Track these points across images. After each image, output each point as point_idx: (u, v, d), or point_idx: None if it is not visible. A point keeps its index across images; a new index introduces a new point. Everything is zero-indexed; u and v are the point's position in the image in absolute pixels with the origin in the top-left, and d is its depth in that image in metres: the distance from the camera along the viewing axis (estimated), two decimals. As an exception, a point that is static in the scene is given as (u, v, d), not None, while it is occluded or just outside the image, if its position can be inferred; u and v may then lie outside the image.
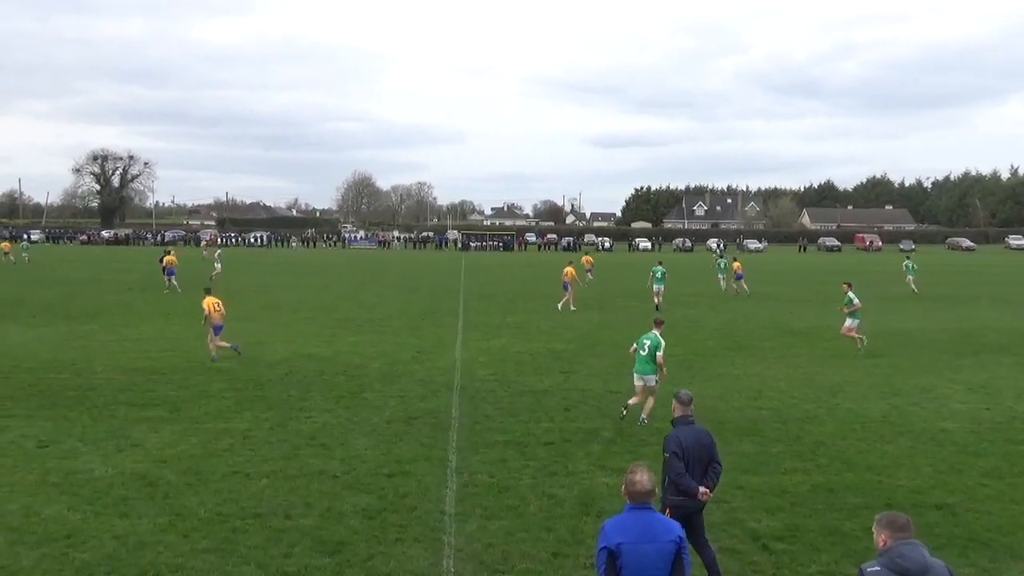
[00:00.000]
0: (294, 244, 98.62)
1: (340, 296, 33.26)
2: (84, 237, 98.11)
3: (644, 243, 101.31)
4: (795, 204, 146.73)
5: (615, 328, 24.05)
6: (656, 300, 30.08)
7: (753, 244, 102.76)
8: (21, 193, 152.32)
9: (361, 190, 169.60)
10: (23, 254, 52.69)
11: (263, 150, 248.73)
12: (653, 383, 12.47)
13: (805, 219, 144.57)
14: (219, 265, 45.37)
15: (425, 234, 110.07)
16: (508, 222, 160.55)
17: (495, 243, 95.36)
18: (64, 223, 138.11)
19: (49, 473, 9.93)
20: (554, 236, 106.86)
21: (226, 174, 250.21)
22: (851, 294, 19.82)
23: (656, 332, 12.65)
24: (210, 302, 18.55)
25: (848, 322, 19.76)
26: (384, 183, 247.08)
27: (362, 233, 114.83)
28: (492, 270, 54.00)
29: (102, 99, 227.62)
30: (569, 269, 31.21)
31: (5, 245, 54.93)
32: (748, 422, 12.93)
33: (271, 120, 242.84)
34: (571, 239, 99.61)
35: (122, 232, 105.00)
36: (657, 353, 12.31)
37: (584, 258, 40.31)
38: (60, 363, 17.05)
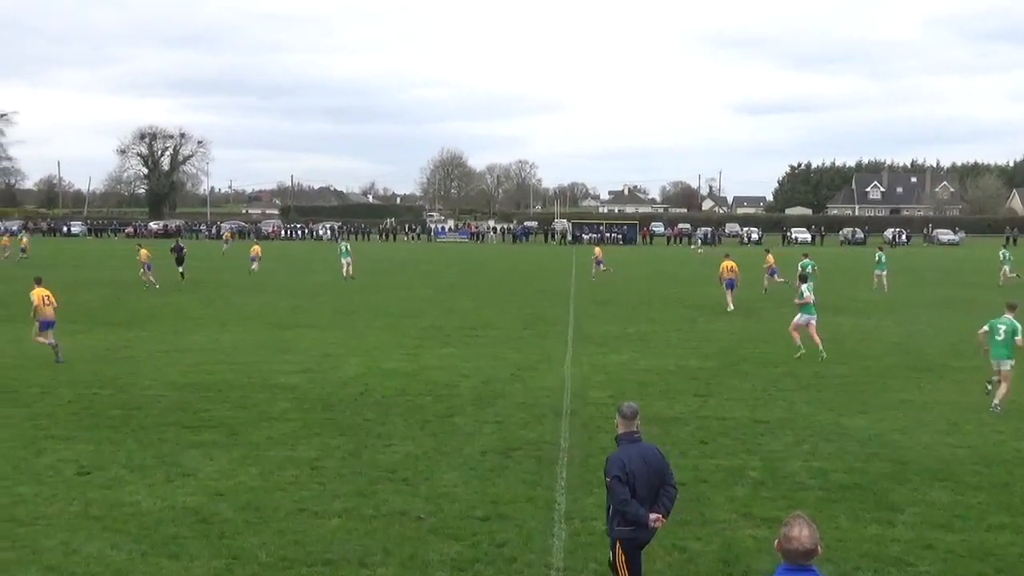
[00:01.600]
0: (373, 237, 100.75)
1: (425, 300, 33.84)
2: (130, 229, 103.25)
3: (802, 234, 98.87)
4: (1002, 183, 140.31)
5: (764, 340, 23.56)
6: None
7: (946, 235, 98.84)
8: (60, 179, 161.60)
9: (450, 171, 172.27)
10: (20, 252, 55.70)
11: (333, 123, 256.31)
12: (1008, 368, 15.18)
13: (1015, 203, 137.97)
14: (256, 264, 46.98)
15: (527, 224, 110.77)
16: (629, 209, 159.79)
17: (613, 235, 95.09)
18: (108, 213, 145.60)
19: (91, 505, 10.49)
20: (686, 226, 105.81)
21: (290, 153, 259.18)
22: None
23: (1010, 316, 15.36)
24: (39, 294, 19.33)
25: None
26: (477, 162, 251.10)
27: (451, 223, 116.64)
28: (610, 266, 53.80)
29: (148, 67, 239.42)
30: (728, 263, 31.27)
31: (5, 240, 58.45)
32: (939, 463, 12.43)
33: (342, 88, 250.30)
34: (708, 230, 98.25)
35: (172, 223, 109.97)
36: (1016, 337, 15.09)
37: (768, 257, 39.10)
38: (103, 377, 17.99)
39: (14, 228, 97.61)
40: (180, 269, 42.38)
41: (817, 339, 20.91)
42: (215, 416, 14.79)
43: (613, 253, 72.74)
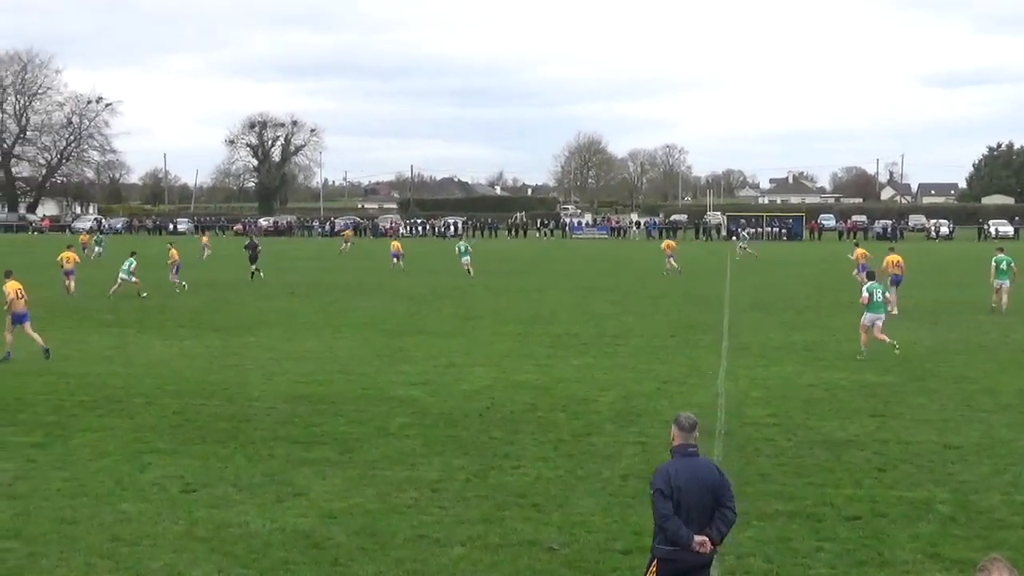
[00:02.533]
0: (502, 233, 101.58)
1: (559, 304, 33.94)
2: (239, 227, 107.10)
3: (1003, 226, 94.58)
4: None
5: (956, 352, 22.71)
6: (997, 300, 30.31)
7: None
8: (166, 172, 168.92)
9: (587, 158, 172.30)
10: (96, 248, 58.25)
11: (458, 107, 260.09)
12: None
13: None
14: (399, 260, 48.21)
15: (676, 218, 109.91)
16: (794, 199, 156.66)
17: (775, 228, 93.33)
18: (215, 209, 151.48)
19: (197, 524, 10.93)
20: (862, 218, 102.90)
21: (411, 141, 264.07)
22: None
23: None
24: (12, 287, 19.86)
25: None
26: (618, 148, 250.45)
27: (588, 217, 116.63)
28: (771, 268, 52.83)
29: (259, 49, 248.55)
30: (894, 257, 31.14)
31: (84, 238, 61.16)
32: None
33: (468, 67, 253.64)
34: (889, 222, 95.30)
35: (283, 219, 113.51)
36: None
37: (858, 251, 39.34)
38: (209, 386, 18.74)
39: (85, 226, 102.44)
40: (253, 268, 44.11)
41: (883, 337, 22.00)
42: (328, 431, 15.19)
43: (775, 250, 71.44)
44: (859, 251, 39.07)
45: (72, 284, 37.09)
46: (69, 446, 14.24)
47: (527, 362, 21.58)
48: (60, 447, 14.18)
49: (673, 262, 47.68)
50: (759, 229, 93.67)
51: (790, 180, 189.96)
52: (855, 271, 37.85)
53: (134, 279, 35.97)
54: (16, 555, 9.99)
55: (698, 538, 7.17)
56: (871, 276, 24.01)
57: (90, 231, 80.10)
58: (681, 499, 7.21)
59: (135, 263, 36.44)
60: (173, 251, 40.21)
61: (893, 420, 15.98)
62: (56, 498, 11.78)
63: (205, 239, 62.91)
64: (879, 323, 22.27)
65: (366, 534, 10.63)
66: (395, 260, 50.16)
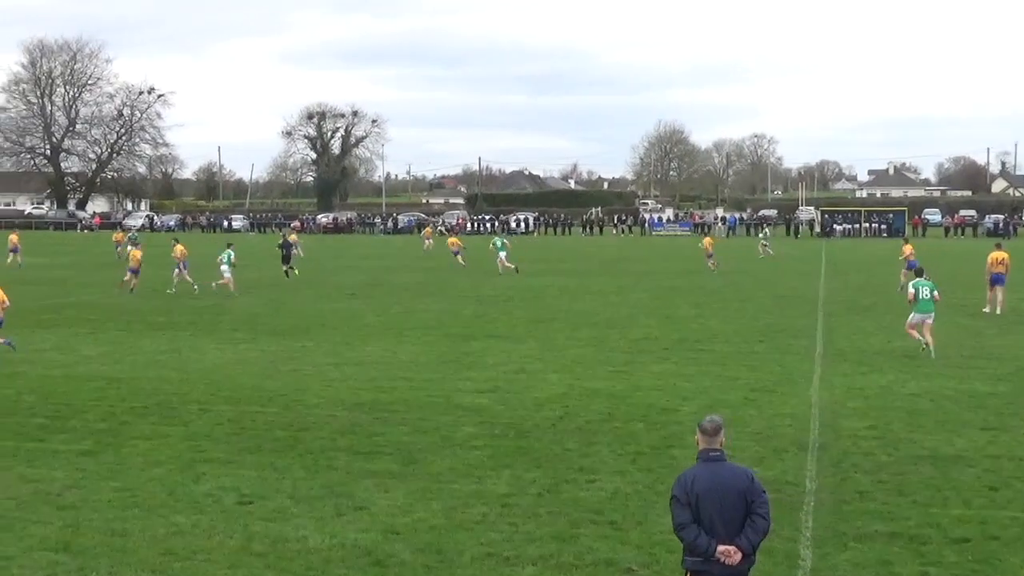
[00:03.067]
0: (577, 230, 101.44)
1: (639, 306, 33.82)
2: (296, 223, 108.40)
3: None
4: None
5: (1077, 360, 22.17)
6: None
7: None
8: (221, 167, 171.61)
9: (668, 149, 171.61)
10: (129, 247, 58.11)
11: (529, 95, 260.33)
12: None
13: None
14: (460, 256, 48.47)
15: (765, 213, 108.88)
16: (895, 192, 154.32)
17: (875, 224, 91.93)
18: (272, 205, 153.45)
19: (253, 539, 11.10)
20: (971, 213, 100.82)
21: (478, 131, 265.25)
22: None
23: None
24: None
25: None
26: (702, 138, 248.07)
27: (669, 213, 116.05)
28: (869, 266, 52.07)
29: (316, 36, 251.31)
30: (999, 254, 30.75)
31: (118, 236, 61.80)
32: None
33: (539, 52, 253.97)
34: (1000, 217, 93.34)
35: (343, 216, 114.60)
36: None
37: (906, 247, 40.40)
38: (266, 393, 19.00)
39: (137, 223, 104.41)
40: (285, 268, 44.84)
41: (928, 338, 22.58)
42: (391, 441, 15.31)
43: (873, 248, 70.38)
44: (907, 247, 40.08)
45: (133, 281, 38.66)
46: (120, 455, 14.54)
47: (603, 368, 21.54)
48: (111, 456, 14.48)
49: (712, 260, 49.45)
50: (857, 225, 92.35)
51: (891, 172, 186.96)
52: (903, 271, 38.03)
53: (225, 275, 38.08)
54: (65, 568, 10.22)
55: (721, 547, 7.24)
56: (919, 272, 24.53)
57: (123, 228, 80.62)
58: (701, 506, 7.32)
59: (234, 255, 38.99)
60: (179, 247, 40.20)
61: (1005, 434, 15.66)
62: (106, 509, 12.03)
63: (294, 236, 63.49)
64: (928, 322, 22.71)
65: (431, 551, 10.69)
66: (502, 256, 50.09)
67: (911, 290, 23.11)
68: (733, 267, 52.37)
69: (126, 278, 38.42)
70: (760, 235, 71.83)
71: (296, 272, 44.93)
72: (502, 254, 48.13)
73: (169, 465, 13.98)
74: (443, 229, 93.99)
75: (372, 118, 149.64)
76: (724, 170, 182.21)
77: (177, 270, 39.17)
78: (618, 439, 15.37)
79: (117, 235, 62.93)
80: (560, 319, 30.21)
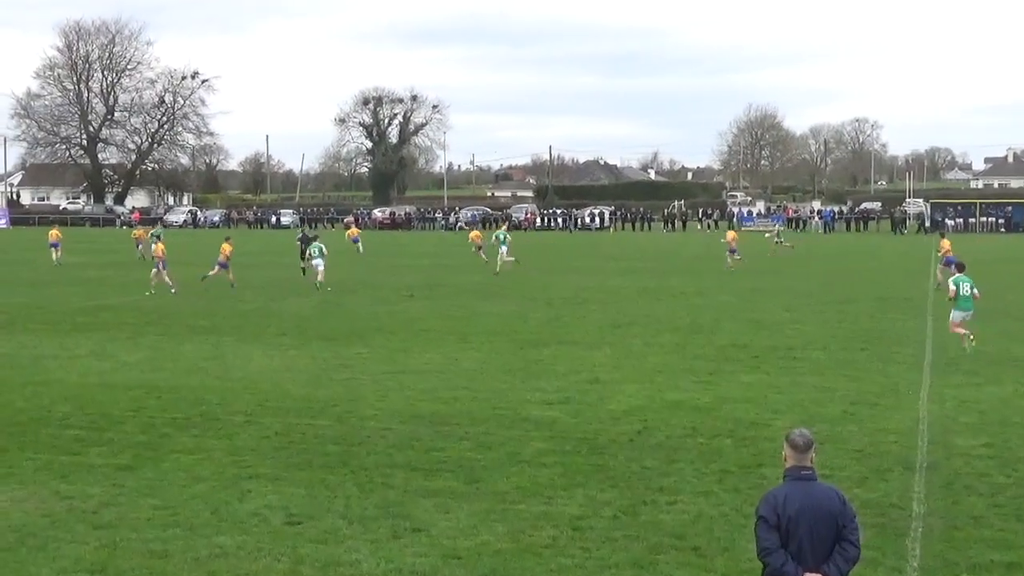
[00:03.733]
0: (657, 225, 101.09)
1: (724, 309, 33.61)
2: (350, 218, 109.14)
3: None
4: None
5: None
6: None
7: None
8: (268, 157, 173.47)
9: (759, 136, 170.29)
10: (153, 243, 57.85)
11: (604, 76, 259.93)
12: None
13: None
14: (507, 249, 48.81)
15: (867, 206, 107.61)
16: (1015, 183, 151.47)
17: (992, 218, 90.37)
18: (324, 198, 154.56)
19: (302, 562, 11.21)
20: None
21: (549, 117, 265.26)
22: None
23: None
24: None
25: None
26: (796, 123, 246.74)
27: (760, 205, 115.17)
28: (984, 265, 51.18)
29: (372, 14, 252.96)
30: None
31: (139, 233, 61.41)
32: None
33: (616, 30, 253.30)
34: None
35: (401, 210, 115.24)
36: None
37: (944, 243, 41.39)
38: (317, 403, 19.17)
39: (179, 219, 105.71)
40: (303, 264, 45.47)
41: (961, 331, 23.99)
42: (452, 457, 15.36)
43: (990, 244, 69.21)
44: (945, 243, 40.89)
45: (231, 275, 40.61)
46: (160, 470, 14.75)
47: (686, 378, 21.44)
48: (150, 471, 14.70)
49: (736, 256, 49.90)
50: (971, 219, 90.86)
51: (1010, 159, 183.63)
52: (939, 267, 38.67)
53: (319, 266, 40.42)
54: (102, 592, 10.40)
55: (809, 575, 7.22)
56: (960, 268, 25.78)
57: (144, 224, 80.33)
58: (791, 529, 7.29)
59: (324, 247, 41.36)
60: (159, 246, 40.81)
61: None
62: (145, 528, 12.21)
63: (354, 231, 64.13)
64: (967, 319, 24.16)
65: (496, 578, 10.72)
66: (503, 251, 51.14)
67: (952, 286, 24.44)
68: (831, 267, 51.82)
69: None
70: (776, 227, 71.38)
71: (306, 273, 45.37)
72: (503, 248, 49.52)
73: (212, 481, 14.15)
74: (463, 224, 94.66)
75: (433, 103, 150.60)
76: (821, 159, 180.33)
77: (155, 269, 39.70)
78: (702, 456, 15.29)
79: (137, 232, 62.53)
80: (639, 323, 30.11)
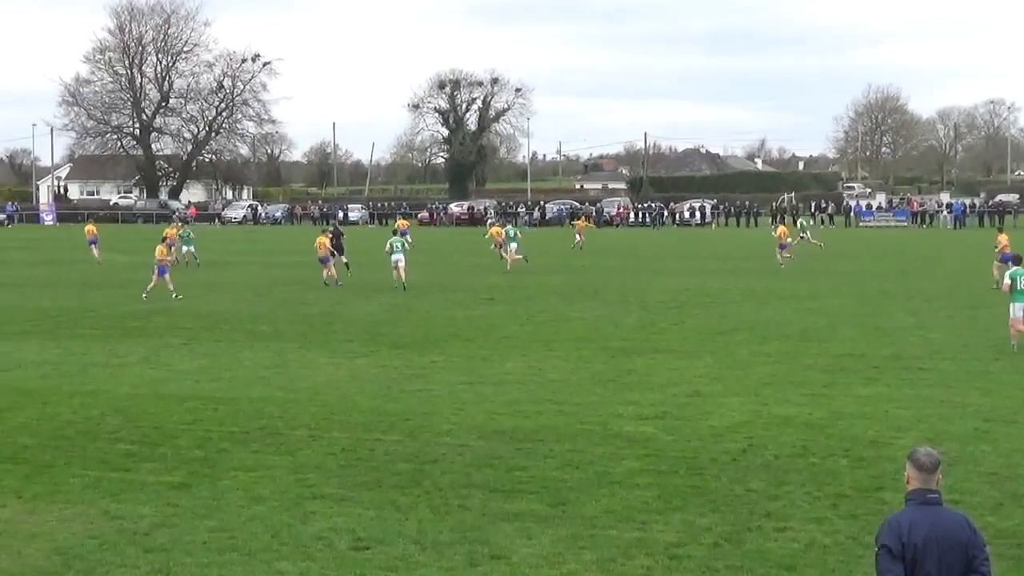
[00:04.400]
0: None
1: (840, 314, 33.29)
2: (424, 214, 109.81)
3: None
4: None
5: None
6: None
7: None
8: (335, 147, 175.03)
9: (881, 120, 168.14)
10: (184, 247, 55.20)
11: (705, 55, 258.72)
12: None
13: None
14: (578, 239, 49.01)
15: (1003, 198, 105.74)
16: None
17: None
18: (395, 192, 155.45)
19: (370, 591, 11.27)
20: None
21: (645, 101, 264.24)
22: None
23: None
24: None
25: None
26: (923, 106, 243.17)
27: (881, 198, 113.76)
28: None
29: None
30: None
31: (170, 232, 56.79)
32: None
33: (718, 4, 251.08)
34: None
35: (480, 204, 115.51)
36: None
37: (1001, 237, 42.73)
38: (387, 417, 19.29)
39: (239, 214, 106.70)
40: (344, 260, 46.79)
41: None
42: (535, 477, 15.38)
43: None
44: (1001, 237, 42.18)
45: (333, 271, 43.16)
46: (217, 488, 14.95)
47: (796, 391, 21.27)
48: (206, 489, 14.91)
49: (785, 253, 50.74)
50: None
51: None
52: (996, 264, 39.17)
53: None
54: (153, 621, 10.55)
55: None
56: (1017, 261, 26.71)
57: (178, 222, 76.25)
58: (917, 560, 7.22)
59: (408, 241, 43.98)
60: (160, 247, 40.57)
61: None
62: (201, 552, 12.38)
63: (403, 222, 64.80)
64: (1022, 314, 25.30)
65: (583, 611, 10.71)
66: (512, 248, 52.18)
67: (1007, 280, 25.79)
68: (962, 267, 51.06)
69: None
70: (800, 223, 70.55)
71: (347, 269, 46.67)
72: (512, 245, 51.12)
73: (273, 502, 14.30)
74: (491, 219, 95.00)
75: (515, 86, 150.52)
76: (951, 145, 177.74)
77: (155, 273, 39.67)
78: (814, 478, 15.16)
79: (169, 231, 57.58)
80: (743, 330, 29.93)
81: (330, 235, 47.54)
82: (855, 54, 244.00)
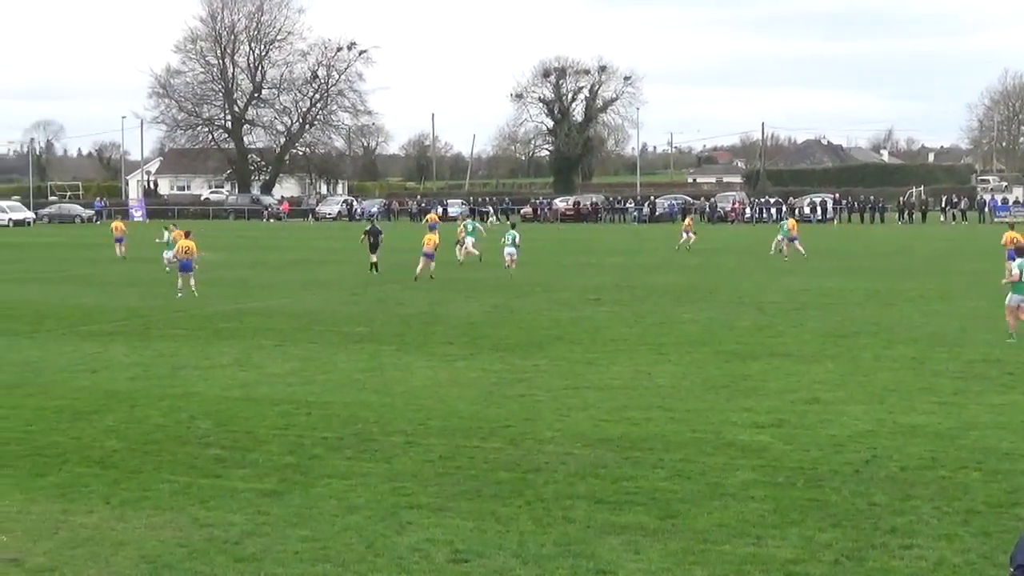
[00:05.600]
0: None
1: (974, 317, 32.83)
2: (527, 210, 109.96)
3: None
4: None
5: None
6: None
7: None
8: (434, 139, 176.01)
9: (1019, 108, 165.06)
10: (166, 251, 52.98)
11: (825, 39, 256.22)
12: None
13: None
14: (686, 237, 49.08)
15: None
16: None
17: None
18: (497, 186, 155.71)
19: (469, 606, 11.33)
20: None
21: (761, 90, 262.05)
22: None
23: None
24: None
25: None
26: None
27: (1018, 192, 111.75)
28: None
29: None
30: None
31: (177, 235, 48.63)
32: None
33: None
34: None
35: (586, 199, 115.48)
36: None
37: (1007, 235, 42.99)
38: (487, 423, 19.36)
39: (333, 211, 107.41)
40: (373, 258, 48.56)
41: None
42: (644, 487, 15.34)
43: None
44: (1008, 235, 43.08)
45: (431, 265, 45.32)
46: (309, 496, 15.11)
47: (924, 399, 21.01)
48: (298, 497, 15.07)
49: (797, 245, 53.19)
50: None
51: None
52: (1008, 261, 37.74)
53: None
54: (244, 634, 10.70)
55: None
56: (1022, 252, 29.11)
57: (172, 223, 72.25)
58: None
59: (518, 236, 47.72)
60: (181, 239, 42.31)
61: None
62: (292, 563, 12.51)
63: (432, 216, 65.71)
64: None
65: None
66: (469, 242, 54.27)
67: (1015, 271, 27.58)
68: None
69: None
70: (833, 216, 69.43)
71: (375, 269, 48.52)
72: (469, 240, 54.26)
73: (367, 511, 14.41)
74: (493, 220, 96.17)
75: (624, 74, 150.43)
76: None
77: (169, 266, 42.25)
78: (943, 492, 14.95)
79: (175, 233, 53.20)
80: (867, 333, 29.62)
81: (366, 232, 50.07)
82: (990, 37, 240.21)
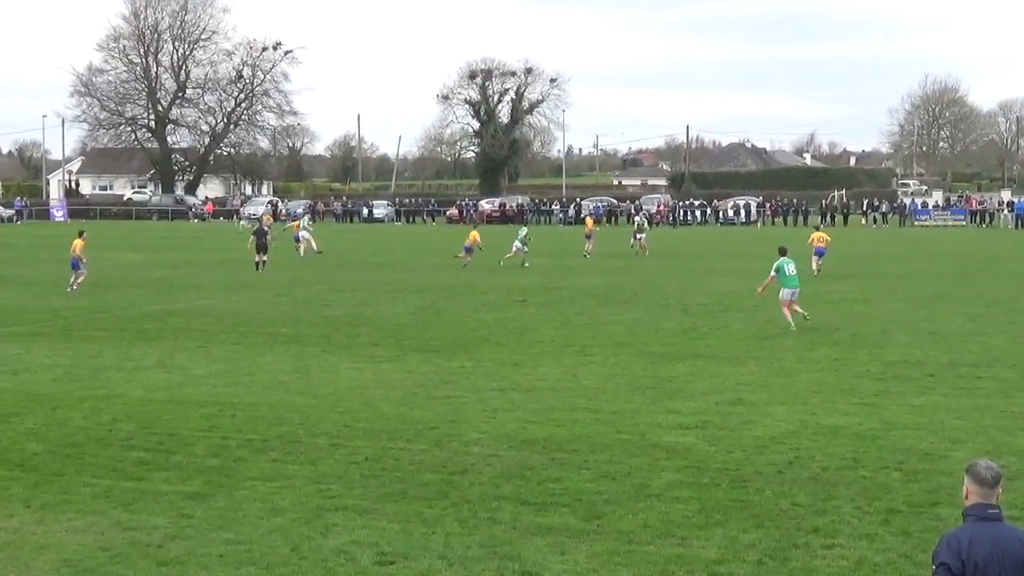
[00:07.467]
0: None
1: (895, 318, 33.23)
2: (453, 211, 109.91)
3: None
4: None
5: None
6: None
7: None
8: (360, 140, 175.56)
9: (938, 113, 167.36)
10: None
11: (751, 43, 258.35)
12: None
13: None
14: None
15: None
16: None
17: None
18: (423, 188, 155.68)
19: (394, 609, 11.30)
20: None
21: (687, 92, 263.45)
22: None
23: None
24: None
25: None
26: (983, 98, 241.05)
27: (938, 196, 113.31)
28: None
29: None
30: None
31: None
32: None
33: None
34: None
35: (512, 201, 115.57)
36: None
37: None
38: (413, 425, 19.31)
39: (258, 210, 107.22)
40: (258, 259, 50.45)
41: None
42: (569, 489, 15.38)
43: None
44: (816, 235, 46.74)
45: (470, 259, 48.98)
46: (234, 499, 15.01)
47: (846, 400, 21.19)
48: (223, 500, 14.97)
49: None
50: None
51: None
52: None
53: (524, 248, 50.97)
54: (167, 638, 10.61)
55: None
56: (784, 252, 31.02)
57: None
58: None
59: (527, 232, 50.11)
60: (79, 242, 42.25)
61: None
62: (217, 566, 12.44)
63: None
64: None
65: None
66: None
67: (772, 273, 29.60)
68: (1023, 268, 50.80)
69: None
70: (636, 222, 69.58)
71: (259, 267, 49.93)
72: (303, 234, 60.01)
73: (293, 513, 14.35)
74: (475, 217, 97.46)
75: (551, 76, 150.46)
76: (1013, 140, 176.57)
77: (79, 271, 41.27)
78: (865, 493, 15.11)
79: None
80: (790, 335, 29.84)
81: (253, 232, 51.97)
82: (911, 43, 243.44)
